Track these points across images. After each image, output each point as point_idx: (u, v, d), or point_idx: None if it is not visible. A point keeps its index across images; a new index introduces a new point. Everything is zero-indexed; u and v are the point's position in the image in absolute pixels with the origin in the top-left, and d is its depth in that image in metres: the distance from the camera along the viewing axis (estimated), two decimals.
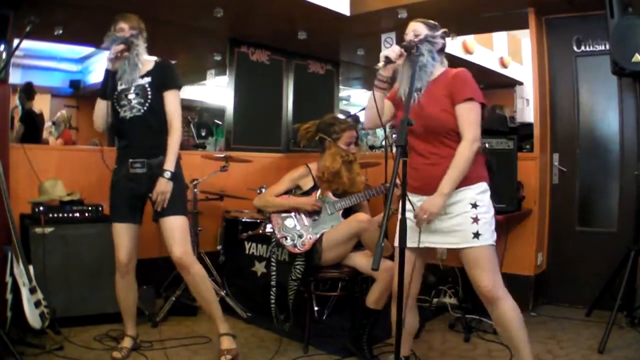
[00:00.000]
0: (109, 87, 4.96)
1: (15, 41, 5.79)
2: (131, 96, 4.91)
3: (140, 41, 4.97)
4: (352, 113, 11.13)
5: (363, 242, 5.24)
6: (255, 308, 6.37)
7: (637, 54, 5.67)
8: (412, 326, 4.45)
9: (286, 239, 5.41)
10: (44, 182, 6.21)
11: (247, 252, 6.47)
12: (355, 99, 17.92)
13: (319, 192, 5.58)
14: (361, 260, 5.33)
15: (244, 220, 7.00)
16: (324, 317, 6.35)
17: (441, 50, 4.19)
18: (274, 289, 5.61)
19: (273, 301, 5.61)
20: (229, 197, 7.27)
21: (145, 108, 4.90)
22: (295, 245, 5.36)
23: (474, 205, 3.93)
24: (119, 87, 4.94)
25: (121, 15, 5.05)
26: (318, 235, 5.37)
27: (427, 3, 7.06)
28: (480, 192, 3.99)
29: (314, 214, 5.50)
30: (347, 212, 5.56)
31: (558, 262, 7.11)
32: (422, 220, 3.90)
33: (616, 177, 6.89)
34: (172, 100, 4.98)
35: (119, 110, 4.94)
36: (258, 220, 6.84)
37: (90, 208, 6.19)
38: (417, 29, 4.16)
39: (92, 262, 5.97)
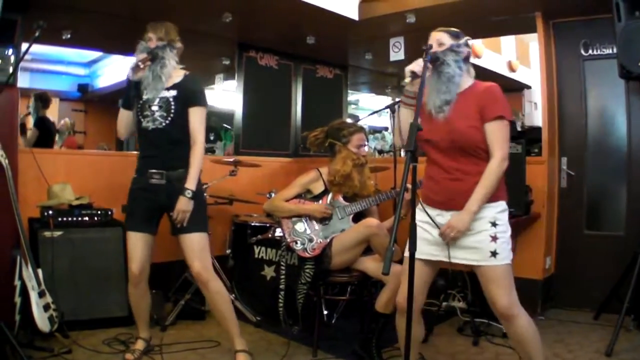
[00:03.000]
0: (131, 96, 4.96)
1: (24, 45, 5.81)
2: (154, 108, 4.86)
3: (167, 53, 4.89)
4: (360, 118, 11.12)
5: (372, 247, 5.25)
6: (264, 312, 6.36)
7: None
8: (419, 335, 4.40)
9: (296, 243, 5.43)
10: (52, 186, 6.21)
11: (256, 256, 6.47)
12: (363, 103, 17.91)
13: (329, 196, 5.59)
14: (371, 265, 5.35)
15: (252, 224, 6.99)
16: (333, 321, 6.35)
17: (466, 59, 4.09)
18: (282, 292, 5.63)
19: (281, 305, 5.63)
20: (238, 201, 7.27)
21: (167, 121, 4.86)
22: (305, 250, 5.39)
23: (494, 224, 3.88)
24: (144, 97, 4.91)
25: (151, 24, 4.99)
26: (328, 240, 5.39)
27: (435, 8, 7.07)
28: (500, 211, 3.93)
29: (324, 219, 5.51)
30: (358, 217, 5.58)
31: (566, 265, 7.11)
32: (449, 237, 3.86)
33: (624, 180, 6.89)
34: (197, 118, 4.92)
35: (142, 120, 4.92)
36: (267, 225, 6.84)
37: (99, 212, 6.21)
38: (440, 38, 4.04)
39: (101, 266, 5.99)
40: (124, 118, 5.04)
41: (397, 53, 8.47)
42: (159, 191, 4.90)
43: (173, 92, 4.90)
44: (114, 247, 6.07)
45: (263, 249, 6.45)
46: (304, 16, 7.65)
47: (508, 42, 13.00)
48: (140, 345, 5.23)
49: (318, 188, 5.69)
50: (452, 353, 5.57)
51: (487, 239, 3.86)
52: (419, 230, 4.00)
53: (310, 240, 5.40)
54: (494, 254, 3.84)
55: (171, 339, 5.78)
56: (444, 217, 3.98)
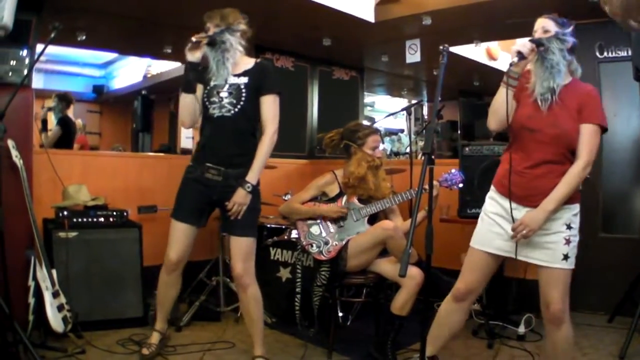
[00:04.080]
0: (191, 79, 4.78)
1: (39, 47, 5.83)
2: (223, 94, 4.73)
3: (227, 37, 4.69)
4: (376, 120, 11.13)
5: (389, 249, 5.22)
6: (279, 313, 6.37)
7: None
8: (460, 323, 4.39)
9: (312, 246, 5.43)
10: (68, 187, 6.26)
11: (272, 257, 6.49)
12: (379, 105, 17.91)
13: (344, 198, 5.59)
14: (387, 267, 5.32)
15: (269, 226, 7.01)
16: (348, 323, 6.36)
17: (571, 50, 3.97)
18: (298, 295, 5.64)
19: (297, 307, 5.65)
20: None
21: (236, 110, 4.72)
22: (321, 252, 5.38)
23: (569, 227, 3.88)
24: (212, 82, 4.77)
25: (206, 14, 4.84)
26: (344, 242, 5.38)
27: (451, 10, 7.07)
28: (574, 214, 3.93)
29: (339, 220, 5.50)
30: (373, 219, 5.57)
31: (581, 268, 7.05)
32: (521, 235, 3.83)
33: (639, 183, 6.86)
34: (269, 106, 4.80)
35: (209, 106, 4.78)
36: (283, 226, 6.85)
37: (114, 213, 6.24)
38: (546, 25, 3.96)
39: (116, 267, 6.02)
40: (186, 103, 4.83)
41: (413, 55, 8.48)
42: (214, 186, 4.80)
43: (244, 79, 4.76)
44: (129, 248, 6.10)
45: (279, 250, 6.46)
46: (320, 18, 7.66)
47: None
48: (155, 338, 5.21)
49: (333, 190, 5.68)
50: (467, 356, 5.57)
51: (561, 241, 3.87)
52: (490, 223, 4.06)
53: (326, 243, 5.40)
54: (565, 257, 3.87)
55: (186, 340, 5.78)
56: (520, 212, 3.93)
